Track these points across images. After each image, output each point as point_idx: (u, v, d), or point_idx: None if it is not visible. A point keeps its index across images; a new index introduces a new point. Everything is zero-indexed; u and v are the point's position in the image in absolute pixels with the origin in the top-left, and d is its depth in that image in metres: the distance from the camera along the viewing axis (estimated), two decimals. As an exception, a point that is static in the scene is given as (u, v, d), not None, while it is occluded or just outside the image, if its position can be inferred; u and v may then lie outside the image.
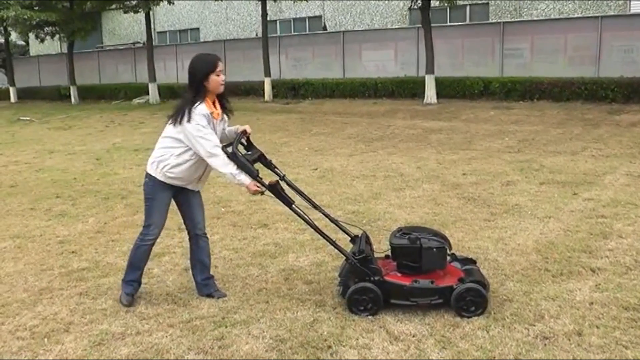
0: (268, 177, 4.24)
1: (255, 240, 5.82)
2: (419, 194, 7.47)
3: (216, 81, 4.06)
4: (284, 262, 5.14)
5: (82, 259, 5.44)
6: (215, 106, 4.16)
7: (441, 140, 11.96)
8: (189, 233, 4.48)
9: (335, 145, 11.98)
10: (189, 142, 4.03)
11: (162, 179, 4.16)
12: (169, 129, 4.12)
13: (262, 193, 4.05)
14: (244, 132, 4.28)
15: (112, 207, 7.45)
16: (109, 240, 6.00)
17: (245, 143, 4.33)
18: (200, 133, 3.95)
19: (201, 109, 3.99)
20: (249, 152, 4.27)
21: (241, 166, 4.02)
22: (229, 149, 4.03)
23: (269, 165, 4.39)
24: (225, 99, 4.29)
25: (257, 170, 4.06)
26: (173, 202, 4.38)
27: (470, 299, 3.89)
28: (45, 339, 3.84)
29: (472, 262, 4.36)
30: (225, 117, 4.34)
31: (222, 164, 3.98)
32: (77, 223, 6.75)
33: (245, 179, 3.99)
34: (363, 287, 3.98)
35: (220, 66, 4.09)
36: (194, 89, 4.05)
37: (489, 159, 9.72)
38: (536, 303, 4.08)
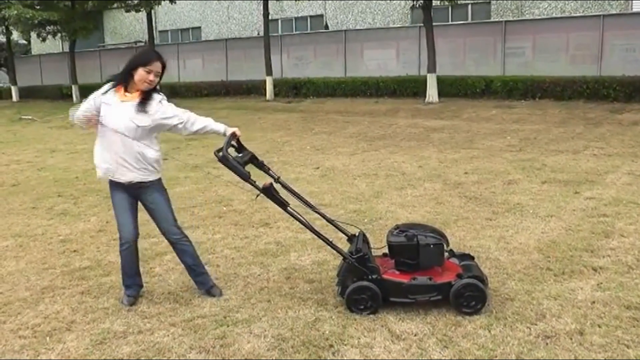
0: (266, 179, 4.24)
1: (257, 239, 5.82)
2: (420, 192, 7.47)
3: (142, 75, 4.02)
4: (285, 261, 5.14)
5: (83, 258, 5.45)
6: (130, 94, 4.09)
7: (443, 139, 11.96)
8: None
9: (336, 144, 11.98)
10: None
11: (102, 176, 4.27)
12: None
13: (98, 122, 4.12)
14: (234, 134, 4.21)
15: (114, 206, 7.44)
16: (111, 239, 6.00)
17: (236, 145, 4.29)
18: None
19: (103, 87, 4.14)
20: (240, 155, 4.23)
21: (232, 169, 3.99)
22: (220, 154, 4.01)
23: (261, 166, 4.33)
24: (148, 94, 4.12)
25: (249, 173, 4.04)
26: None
27: (469, 294, 3.89)
28: (47, 338, 3.85)
29: (470, 257, 4.36)
30: (153, 113, 4.09)
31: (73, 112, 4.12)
32: (78, 222, 6.76)
33: (79, 112, 4.10)
34: (361, 286, 3.98)
35: (155, 66, 4.04)
36: (120, 73, 4.13)
37: (490, 157, 9.72)
38: (538, 302, 4.08)
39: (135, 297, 4.37)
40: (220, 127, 4.24)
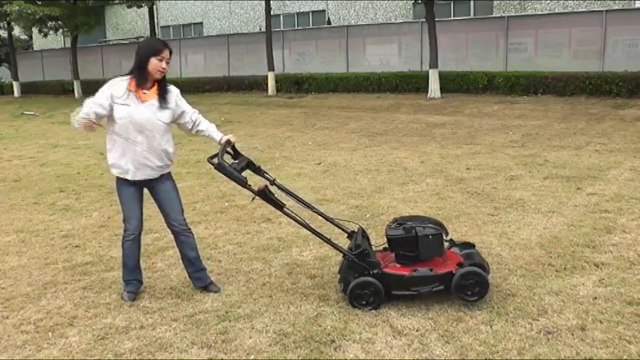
0: (261, 181, 4.25)
1: (259, 234, 5.83)
2: (422, 188, 7.47)
3: (155, 64, 4.05)
4: (287, 257, 5.14)
5: (85, 253, 5.46)
6: (149, 89, 4.11)
7: (445, 134, 11.94)
8: (169, 229, 4.46)
9: (338, 140, 11.97)
10: None
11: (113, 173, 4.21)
12: None
13: (98, 124, 4.04)
14: (228, 141, 4.27)
15: (116, 201, 7.41)
16: (113, 235, 6.01)
17: (232, 152, 4.34)
18: (97, 93, 4.04)
19: (118, 79, 4.09)
20: (236, 161, 4.29)
21: (229, 176, 4.03)
22: (215, 160, 4.04)
23: (258, 171, 4.40)
24: (165, 88, 4.20)
25: (246, 178, 4.07)
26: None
27: (471, 282, 3.89)
28: (50, 333, 3.85)
29: (471, 246, 4.37)
30: (173, 107, 4.20)
31: (74, 117, 4.00)
32: (80, 217, 6.77)
33: (78, 117, 3.98)
34: (363, 281, 3.98)
35: (165, 53, 4.08)
36: (133, 67, 4.11)
37: (492, 153, 9.70)
38: (540, 298, 4.08)
39: (135, 293, 4.37)
40: (217, 135, 4.34)
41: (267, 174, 4.43)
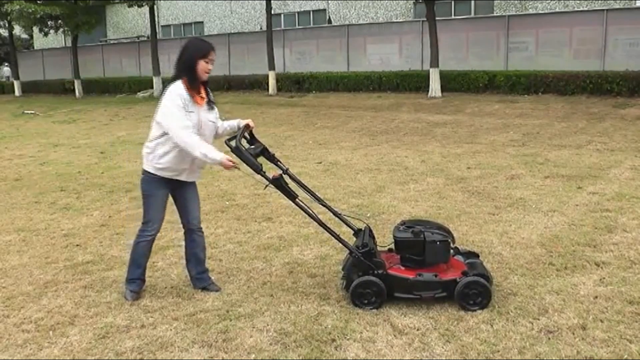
0: (273, 170, 4.24)
1: (260, 233, 5.82)
2: (423, 187, 7.46)
3: (203, 67, 4.06)
4: (288, 256, 5.14)
5: (86, 252, 5.45)
6: (200, 91, 4.12)
7: (446, 133, 11.94)
8: (183, 227, 4.46)
9: (339, 139, 11.97)
10: (163, 121, 4.00)
11: (154, 172, 4.15)
12: (156, 114, 4.14)
13: (238, 168, 4.01)
14: (247, 126, 4.29)
15: (117, 200, 7.46)
16: (114, 234, 6.01)
17: (249, 137, 4.34)
18: (172, 110, 3.94)
19: (178, 88, 3.99)
20: (252, 146, 4.29)
21: (245, 160, 4.01)
22: (232, 143, 4.03)
23: (272, 159, 4.39)
24: (208, 89, 4.23)
25: (261, 165, 4.06)
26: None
27: (474, 292, 3.89)
28: (50, 332, 3.85)
29: (475, 255, 4.36)
30: (214, 108, 4.26)
31: (190, 145, 3.91)
32: (81, 216, 6.77)
33: (217, 155, 3.92)
34: (366, 280, 3.98)
35: (212, 55, 4.10)
36: (180, 69, 4.06)
37: (493, 152, 9.70)
38: (540, 297, 4.08)
39: (138, 292, 4.36)
40: (235, 121, 4.38)
41: (280, 162, 4.42)
